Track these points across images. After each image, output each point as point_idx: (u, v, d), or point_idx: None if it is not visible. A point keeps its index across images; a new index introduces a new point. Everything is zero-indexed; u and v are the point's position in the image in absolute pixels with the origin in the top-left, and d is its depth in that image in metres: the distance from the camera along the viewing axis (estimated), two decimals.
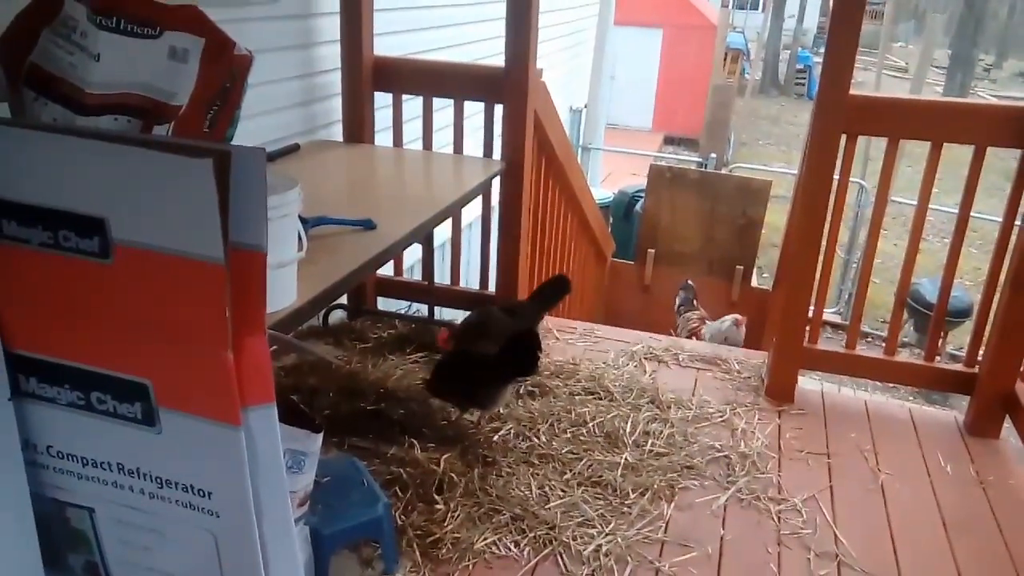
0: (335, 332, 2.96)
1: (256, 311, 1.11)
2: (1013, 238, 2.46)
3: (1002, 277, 2.51)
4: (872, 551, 2.04)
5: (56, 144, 1.07)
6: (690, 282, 4.35)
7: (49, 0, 1.41)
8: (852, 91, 2.42)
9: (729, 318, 3.94)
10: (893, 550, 2.05)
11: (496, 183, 2.79)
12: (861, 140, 2.67)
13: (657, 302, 4.58)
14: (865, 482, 2.33)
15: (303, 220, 1.92)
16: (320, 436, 1.53)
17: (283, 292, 1.56)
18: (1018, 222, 2.47)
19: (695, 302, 4.22)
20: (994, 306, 2.54)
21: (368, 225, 2.01)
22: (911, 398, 5.23)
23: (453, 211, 2.40)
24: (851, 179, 2.63)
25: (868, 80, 10.55)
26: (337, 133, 2.93)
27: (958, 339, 6.15)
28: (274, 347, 1.30)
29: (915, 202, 2.63)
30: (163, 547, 1.27)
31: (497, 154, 2.82)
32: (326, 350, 2.63)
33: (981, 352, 2.60)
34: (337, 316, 3.07)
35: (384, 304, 3.20)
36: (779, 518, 2.15)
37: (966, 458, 2.47)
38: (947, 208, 6.12)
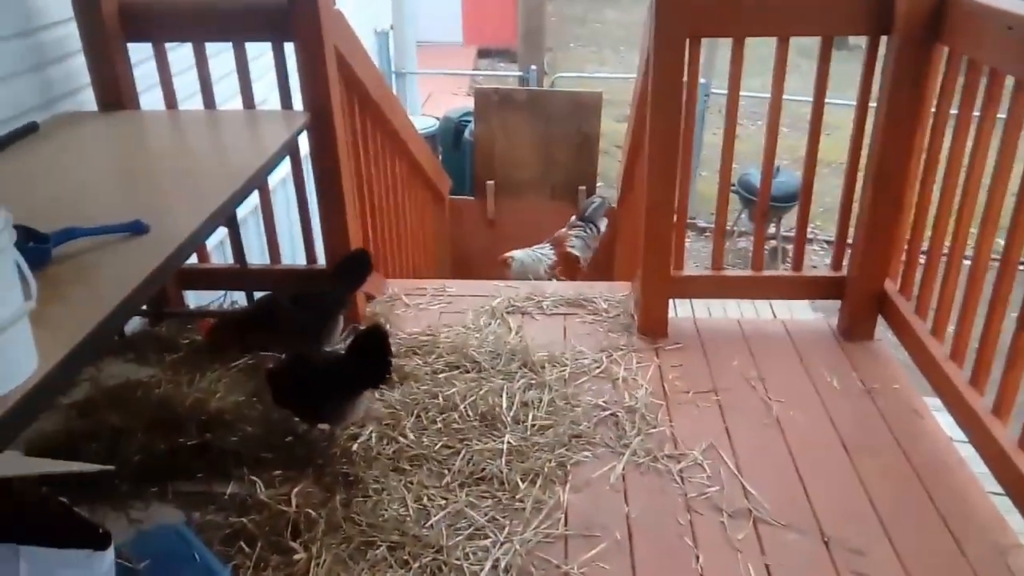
0: (135, 344, 2.43)
1: None
2: (868, 130, 2.34)
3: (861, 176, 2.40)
4: (783, 496, 1.89)
5: None
6: (593, 199, 3.95)
7: None
8: None
9: (545, 259, 3.62)
10: (803, 490, 1.91)
11: (304, 137, 2.32)
12: None
13: (505, 235, 4.28)
14: (759, 416, 2.18)
15: (37, 240, 1.43)
16: (109, 551, 1.11)
17: (15, 362, 1.08)
18: (872, 104, 2.33)
19: (578, 223, 3.80)
20: (855, 207, 2.43)
21: (137, 229, 1.52)
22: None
23: (254, 185, 1.92)
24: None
25: None
26: (89, 101, 2.32)
27: (789, 221, 6.34)
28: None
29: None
30: None
31: (298, 103, 2.34)
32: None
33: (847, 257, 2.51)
34: (135, 324, 2.52)
35: (193, 299, 2.68)
36: (682, 478, 1.95)
37: (848, 367, 2.38)
38: (759, 94, 6.23)
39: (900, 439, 2.07)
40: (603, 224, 3.92)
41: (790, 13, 2.26)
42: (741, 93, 2.37)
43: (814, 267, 6.10)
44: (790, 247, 2.64)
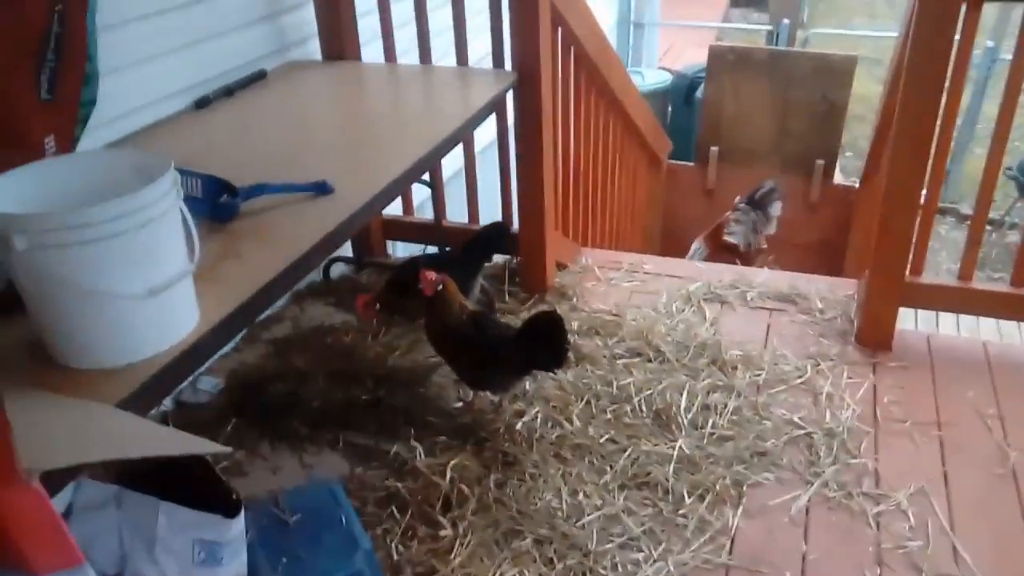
0: (336, 289, 2.54)
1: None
2: None
3: None
4: (1004, 569, 1.57)
5: None
6: (764, 182, 3.62)
7: None
8: None
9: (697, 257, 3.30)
10: None
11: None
12: None
13: (722, 207, 3.96)
14: (990, 464, 1.82)
15: (229, 192, 1.48)
16: (239, 520, 1.13)
17: (173, 321, 1.12)
18: None
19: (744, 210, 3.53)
20: None
21: (322, 189, 1.53)
22: None
23: (450, 146, 1.89)
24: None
25: None
26: (315, 50, 2.41)
27: None
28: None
29: None
30: None
31: (509, 62, 2.26)
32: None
33: None
34: (339, 270, 2.64)
35: (396, 249, 2.75)
36: (878, 524, 1.68)
37: None
38: None
39: None
40: (775, 209, 3.52)
41: None
42: None
43: None
44: None
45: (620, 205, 3.42)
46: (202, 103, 2.01)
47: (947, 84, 1.95)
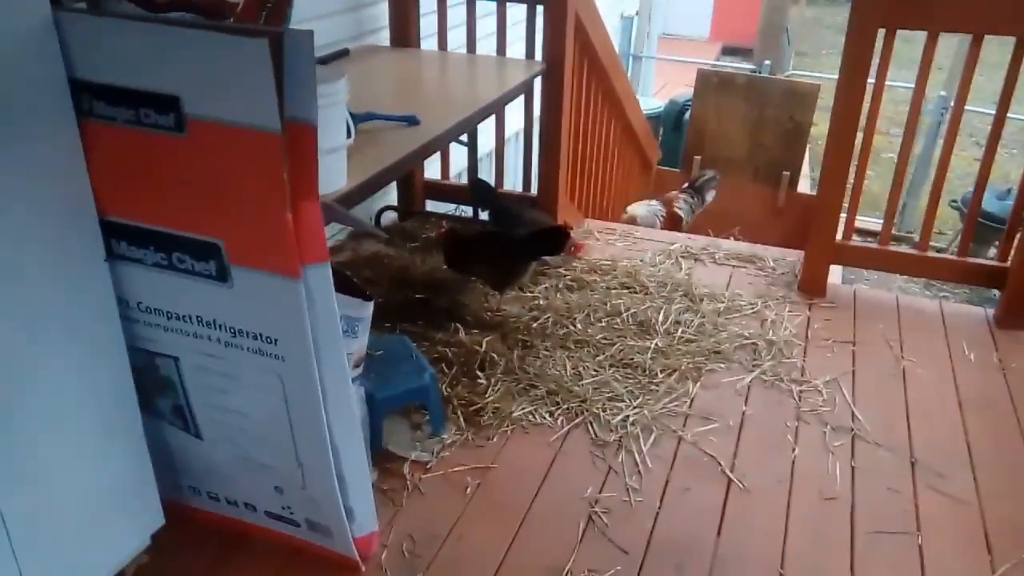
0: (387, 232, 3.14)
1: (309, 178, 1.27)
2: None
3: None
4: (887, 427, 2.17)
5: (135, 31, 1.23)
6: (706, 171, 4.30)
7: None
8: None
9: (660, 215, 3.82)
10: (907, 426, 2.17)
11: (538, 88, 2.88)
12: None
13: (703, 210, 4.63)
14: (887, 367, 2.44)
15: (352, 114, 2.08)
16: (371, 304, 1.72)
17: (334, 175, 1.71)
18: None
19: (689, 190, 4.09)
20: None
21: (412, 121, 2.14)
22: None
23: (494, 109, 2.51)
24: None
25: None
26: (385, 39, 3.04)
27: None
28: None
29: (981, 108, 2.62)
30: (238, 390, 1.48)
31: (539, 57, 2.90)
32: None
33: None
34: (389, 217, 3.24)
35: (432, 207, 3.36)
36: (799, 397, 2.28)
37: (991, 347, 2.54)
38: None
39: (1019, 406, 2.24)
40: (710, 196, 4.12)
41: (992, 10, 2.43)
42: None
43: None
44: (986, 261, 2.80)
45: (615, 193, 4.06)
46: None
47: (867, 98, 2.57)
